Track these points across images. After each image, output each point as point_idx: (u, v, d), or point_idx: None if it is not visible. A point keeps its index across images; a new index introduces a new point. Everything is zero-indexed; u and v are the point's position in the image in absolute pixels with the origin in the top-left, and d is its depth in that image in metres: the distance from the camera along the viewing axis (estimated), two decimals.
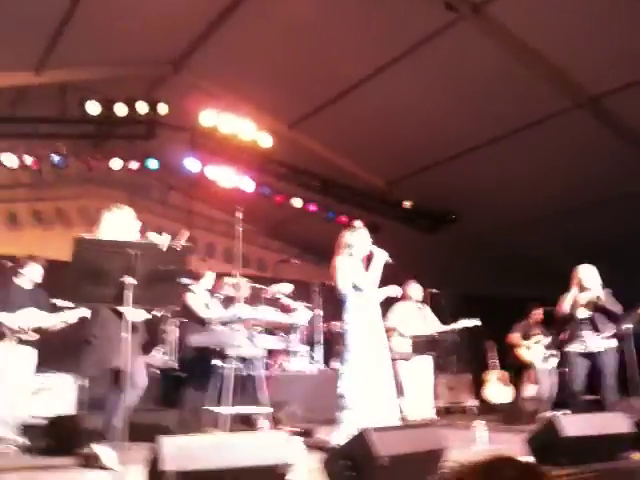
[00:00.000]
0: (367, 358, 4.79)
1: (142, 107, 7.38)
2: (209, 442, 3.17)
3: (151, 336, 6.18)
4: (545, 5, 5.64)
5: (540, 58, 6.24)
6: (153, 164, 8.33)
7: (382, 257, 5.00)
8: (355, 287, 4.90)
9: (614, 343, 5.72)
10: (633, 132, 7.23)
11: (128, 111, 7.33)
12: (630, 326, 5.71)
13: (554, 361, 7.37)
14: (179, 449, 2.94)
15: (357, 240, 5.06)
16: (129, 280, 3.41)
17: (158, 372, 6.09)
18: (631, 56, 6.01)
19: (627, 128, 7.20)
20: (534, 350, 7.85)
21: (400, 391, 6.49)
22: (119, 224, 4.43)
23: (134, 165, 8.26)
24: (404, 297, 7.01)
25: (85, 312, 4.90)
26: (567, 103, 6.88)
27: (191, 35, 6.65)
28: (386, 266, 5.03)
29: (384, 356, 4.97)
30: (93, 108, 7.17)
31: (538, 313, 8.09)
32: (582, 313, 5.83)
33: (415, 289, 7.11)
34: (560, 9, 5.63)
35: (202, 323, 6.13)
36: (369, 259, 5.09)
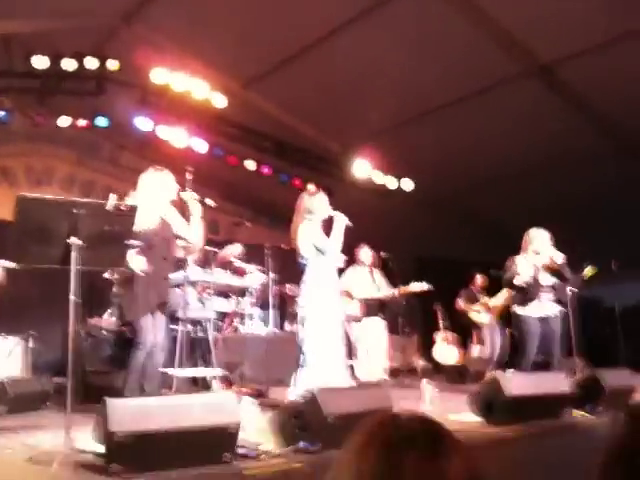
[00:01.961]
0: (325, 321, 4.86)
1: (91, 62, 7.12)
2: (158, 403, 3.17)
3: (101, 298, 6.10)
4: None
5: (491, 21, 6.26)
6: (102, 122, 8.08)
7: (343, 221, 5.03)
8: (318, 251, 4.93)
9: (562, 307, 5.89)
10: (582, 99, 7.36)
11: (77, 66, 7.07)
12: (576, 290, 5.87)
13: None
14: (127, 410, 2.92)
15: (317, 204, 5.08)
16: (74, 240, 3.32)
17: (108, 334, 6.01)
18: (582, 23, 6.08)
19: (577, 96, 7.32)
20: (485, 313, 8.06)
21: (352, 353, 6.61)
22: (156, 187, 4.60)
23: (82, 122, 8.00)
24: (355, 261, 7.08)
25: (7, 263, 4.84)
26: (518, 69, 6.94)
27: None
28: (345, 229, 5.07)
29: (339, 319, 5.05)
30: (40, 62, 6.90)
31: (480, 279, 8.28)
32: (544, 279, 5.91)
33: (366, 253, 7.17)
34: None
35: None
36: (329, 223, 5.11)
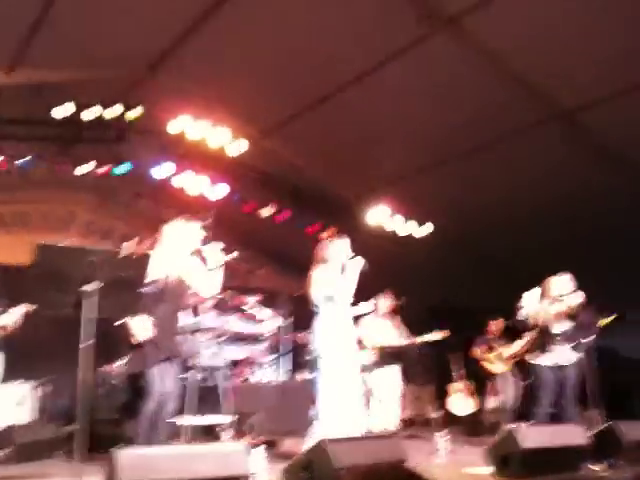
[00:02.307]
0: (338, 368, 4.82)
1: (111, 112, 7.31)
2: (168, 452, 3.14)
3: (115, 346, 6.11)
4: (521, 18, 5.72)
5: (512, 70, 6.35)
6: (122, 169, 8.23)
7: (357, 265, 5.05)
8: (328, 298, 4.94)
9: (578, 356, 5.78)
10: (603, 145, 7.36)
11: (99, 114, 7.26)
12: (593, 338, 5.78)
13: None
14: (137, 460, 2.90)
15: (334, 249, 5.11)
16: (89, 287, 3.36)
17: (121, 382, 6.00)
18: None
19: (598, 141, 7.32)
20: (500, 363, 7.93)
21: (366, 402, 6.53)
22: (179, 237, 4.55)
23: (102, 170, 8.15)
24: (374, 309, 7.06)
25: (24, 308, 4.84)
26: (541, 115, 6.99)
27: (167, 38, 6.58)
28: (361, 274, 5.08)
29: (355, 366, 5.00)
30: (60, 112, 7.09)
31: (496, 325, 8.18)
32: (557, 327, 5.82)
33: (383, 301, 7.15)
34: (538, 24, 5.73)
35: None
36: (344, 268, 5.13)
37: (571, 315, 5.77)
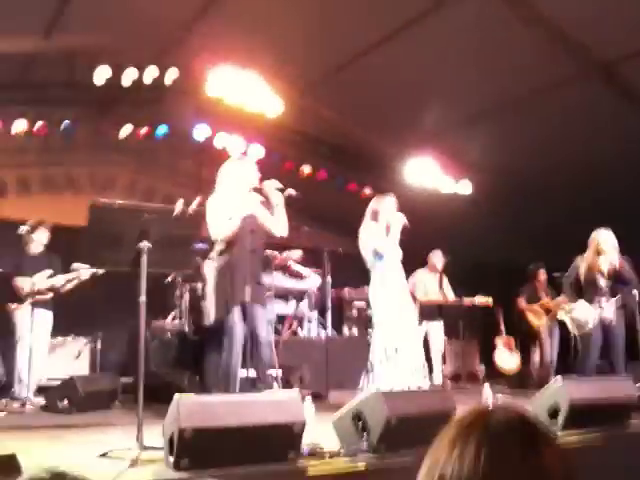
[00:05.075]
0: (395, 322, 4.88)
1: (150, 73, 7.33)
2: (226, 400, 3.23)
3: (164, 301, 6.27)
4: None
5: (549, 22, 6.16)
6: (162, 130, 8.30)
7: (399, 221, 5.07)
8: (376, 254, 4.97)
9: (623, 309, 5.76)
10: None
11: (137, 77, 7.29)
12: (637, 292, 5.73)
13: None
14: (196, 407, 2.99)
15: (382, 207, 5.13)
16: (144, 244, 3.44)
17: (173, 336, 6.17)
18: None
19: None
20: (544, 315, 7.88)
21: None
22: (236, 176, 4.55)
23: (143, 131, 8.24)
24: (427, 264, 7.09)
25: (94, 270, 4.97)
26: (578, 69, 6.80)
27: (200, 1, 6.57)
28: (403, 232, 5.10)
29: (411, 319, 5.05)
30: (100, 75, 7.14)
31: (543, 275, 8.10)
32: (602, 281, 5.83)
33: (438, 257, 7.18)
34: None
35: None
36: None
37: (615, 269, 5.72)
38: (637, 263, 5.89)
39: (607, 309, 5.76)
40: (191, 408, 2.91)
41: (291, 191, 4.74)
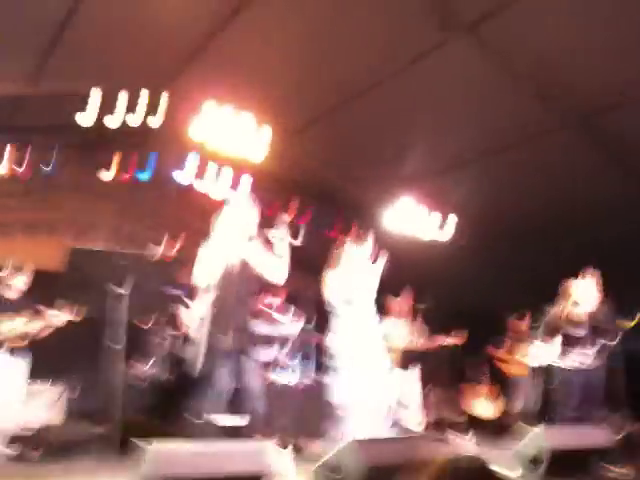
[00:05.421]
0: (358, 369, 4.84)
1: (135, 118, 7.41)
2: (194, 448, 3.18)
3: (143, 347, 6.19)
4: (538, 26, 5.75)
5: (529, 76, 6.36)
6: (145, 175, 8.33)
7: (378, 266, 5.08)
8: (345, 301, 4.96)
9: (603, 359, 5.78)
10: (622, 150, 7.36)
11: (121, 122, 7.37)
12: (615, 342, 5.77)
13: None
14: (163, 455, 2.95)
15: (352, 252, 5.14)
16: (119, 290, 3.43)
17: (150, 384, 6.08)
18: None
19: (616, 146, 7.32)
20: (520, 365, 7.90)
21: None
22: (233, 222, 4.51)
23: (125, 176, 8.26)
24: (392, 311, 7.08)
25: (69, 316, 4.89)
26: (557, 121, 6.99)
27: (187, 48, 6.69)
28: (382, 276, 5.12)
29: (379, 368, 5.01)
30: (84, 119, 7.20)
31: (521, 324, 8.14)
32: (578, 330, 5.86)
33: (401, 303, 7.18)
34: (554, 33, 5.76)
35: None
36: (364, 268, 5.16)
37: (592, 318, 5.77)
38: (620, 308, 5.94)
39: (585, 359, 5.78)
40: (159, 456, 2.87)
41: (295, 242, 4.77)
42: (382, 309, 5.46)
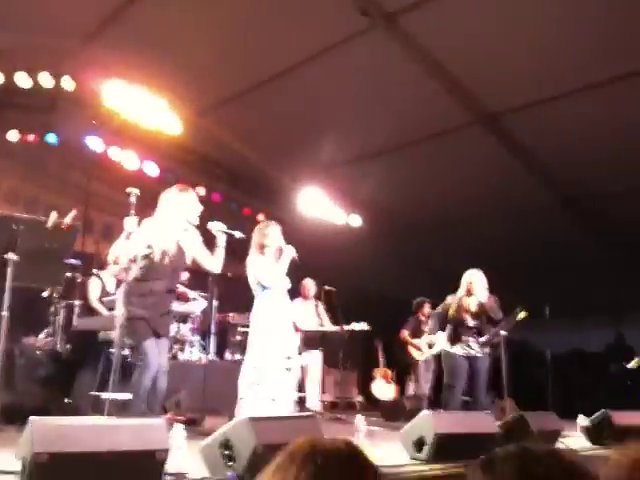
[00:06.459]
0: (272, 351, 4.89)
1: (46, 79, 7.10)
2: (84, 424, 3.11)
3: (38, 317, 5.97)
4: (457, 22, 5.88)
5: (445, 71, 6.51)
6: (52, 138, 8.00)
7: (289, 254, 5.12)
8: (262, 285, 5.01)
9: (489, 348, 6.12)
10: (527, 151, 7.69)
11: (31, 82, 7.03)
12: (505, 333, 6.09)
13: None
14: (53, 431, 2.87)
15: (268, 238, 5.15)
16: (11, 256, 3.29)
17: (43, 354, 5.88)
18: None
19: (522, 147, 7.64)
20: (424, 349, 8.17)
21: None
22: (175, 208, 4.46)
23: (31, 137, 7.91)
24: (301, 293, 7.16)
25: None
26: (467, 118, 7.21)
27: (103, 10, 6.44)
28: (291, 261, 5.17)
29: (289, 350, 5.08)
30: None
31: (429, 308, 8.40)
32: (470, 319, 6.13)
33: (310, 286, 7.26)
34: (472, 29, 5.91)
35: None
36: (279, 253, 5.20)
37: (483, 309, 6.05)
38: (510, 302, 6.24)
39: (474, 347, 6.08)
40: (47, 432, 2.78)
41: (239, 234, 4.82)
42: (290, 290, 5.49)
